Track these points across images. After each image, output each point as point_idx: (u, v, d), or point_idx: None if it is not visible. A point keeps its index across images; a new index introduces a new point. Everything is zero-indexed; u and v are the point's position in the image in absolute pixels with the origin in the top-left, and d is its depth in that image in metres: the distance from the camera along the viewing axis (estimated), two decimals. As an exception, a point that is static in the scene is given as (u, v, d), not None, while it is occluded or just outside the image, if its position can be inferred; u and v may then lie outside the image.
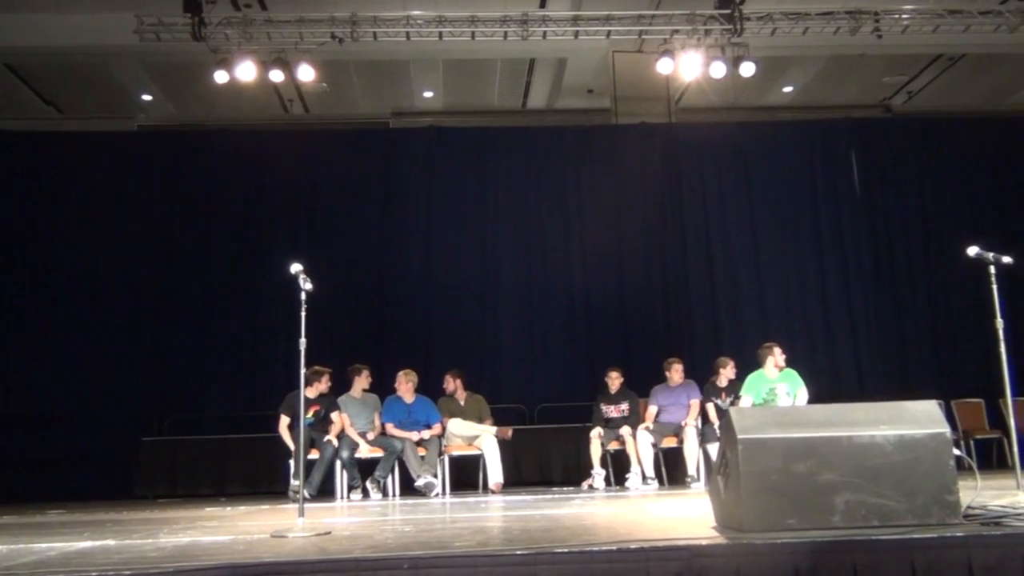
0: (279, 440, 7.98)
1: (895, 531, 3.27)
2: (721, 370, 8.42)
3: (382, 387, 8.55)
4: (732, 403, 8.15)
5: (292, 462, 7.74)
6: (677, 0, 9.68)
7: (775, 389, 7.85)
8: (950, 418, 9.01)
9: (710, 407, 8.34)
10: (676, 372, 8.53)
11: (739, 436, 3.53)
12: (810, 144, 11.09)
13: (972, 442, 9.15)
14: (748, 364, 8.21)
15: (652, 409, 8.53)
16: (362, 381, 8.30)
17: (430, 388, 8.62)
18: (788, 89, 12.17)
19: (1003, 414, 8.58)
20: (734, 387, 8.26)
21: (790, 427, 3.60)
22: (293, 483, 7.57)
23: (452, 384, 8.50)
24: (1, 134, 10.78)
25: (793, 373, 7.94)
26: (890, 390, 9.41)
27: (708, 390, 8.45)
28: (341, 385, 8.31)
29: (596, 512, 5.23)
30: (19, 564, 3.31)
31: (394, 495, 7.90)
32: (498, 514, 5.49)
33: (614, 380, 8.62)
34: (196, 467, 9.41)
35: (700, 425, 8.27)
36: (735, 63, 9.59)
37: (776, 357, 7.93)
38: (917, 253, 10.78)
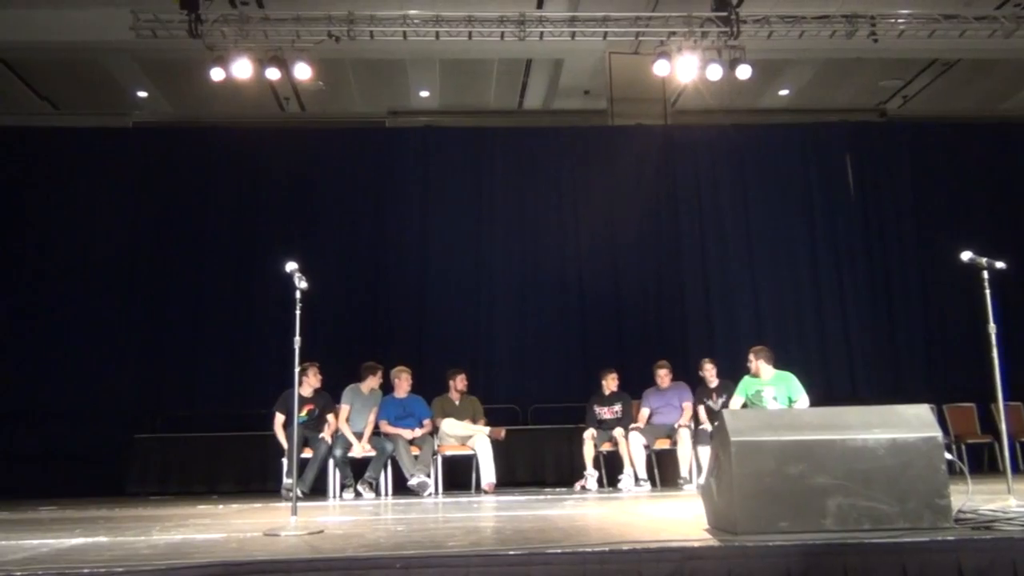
0: (272, 438, 7.98)
1: (886, 534, 3.27)
2: (705, 371, 8.45)
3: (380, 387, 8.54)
4: (723, 404, 8.18)
5: (285, 460, 7.75)
6: (674, 2, 9.70)
7: (761, 392, 7.86)
8: (942, 422, 9.05)
9: (702, 409, 8.37)
10: (663, 376, 8.54)
11: (732, 438, 3.53)
12: (805, 147, 11.13)
13: (964, 446, 9.17)
14: (742, 367, 8.22)
15: (644, 411, 8.54)
16: (372, 382, 8.26)
17: (424, 387, 8.62)
18: (784, 92, 12.20)
19: (995, 419, 8.57)
20: (725, 387, 8.28)
21: (783, 430, 3.61)
22: (286, 481, 7.57)
23: (461, 384, 8.51)
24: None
25: (788, 377, 7.92)
26: (883, 394, 9.45)
27: (700, 392, 8.47)
28: (333, 380, 8.28)
29: (589, 513, 5.23)
30: (11, 561, 3.29)
31: (387, 494, 7.89)
32: (491, 514, 5.49)
33: (611, 381, 8.63)
34: (189, 464, 9.39)
35: (693, 427, 8.27)
36: (731, 65, 9.61)
37: (752, 362, 7.96)
38: (910, 257, 10.82)
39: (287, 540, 3.86)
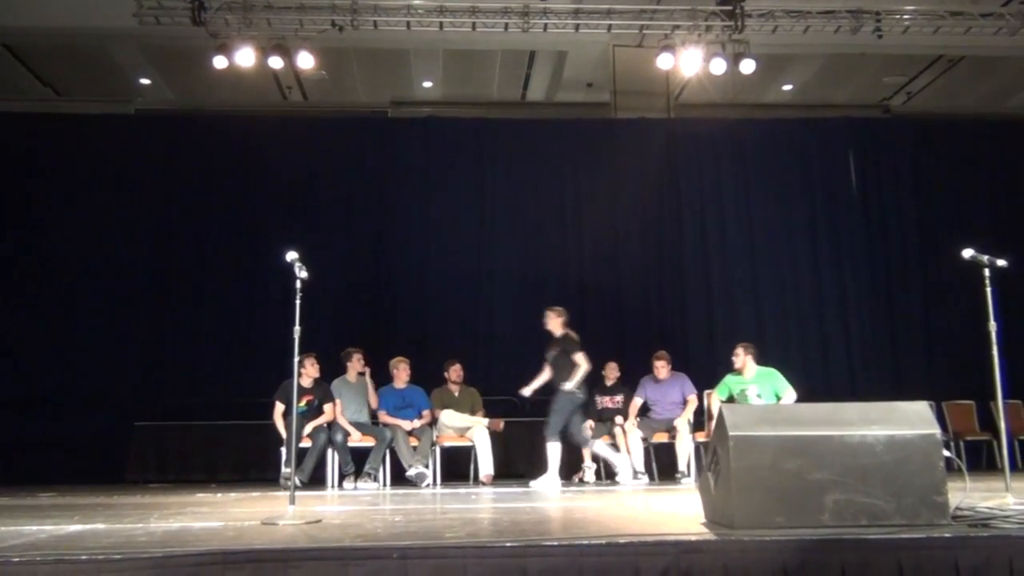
0: (271, 427, 7.99)
1: (883, 531, 3.28)
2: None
3: (377, 376, 8.54)
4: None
5: (284, 449, 7.76)
6: (678, -5, 9.69)
7: (746, 391, 7.86)
8: (941, 419, 9.05)
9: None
10: (660, 368, 8.53)
11: (730, 433, 3.54)
12: (808, 143, 11.11)
13: (962, 444, 9.18)
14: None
15: (637, 400, 8.54)
16: (355, 365, 8.29)
17: (425, 378, 8.62)
18: (788, 87, 12.17)
19: (994, 416, 8.59)
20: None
21: (781, 425, 3.61)
22: (285, 470, 7.58)
23: (456, 374, 8.52)
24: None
25: (772, 373, 7.90)
26: (882, 390, 9.45)
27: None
28: (334, 372, 8.30)
29: (586, 506, 5.24)
30: (9, 546, 3.30)
31: (385, 485, 7.91)
32: (488, 506, 5.50)
33: (611, 371, 8.67)
34: (187, 453, 9.42)
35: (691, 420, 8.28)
36: (735, 60, 9.59)
37: (741, 356, 7.96)
38: (912, 254, 10.82)
39: (285, 529, 3.87)
